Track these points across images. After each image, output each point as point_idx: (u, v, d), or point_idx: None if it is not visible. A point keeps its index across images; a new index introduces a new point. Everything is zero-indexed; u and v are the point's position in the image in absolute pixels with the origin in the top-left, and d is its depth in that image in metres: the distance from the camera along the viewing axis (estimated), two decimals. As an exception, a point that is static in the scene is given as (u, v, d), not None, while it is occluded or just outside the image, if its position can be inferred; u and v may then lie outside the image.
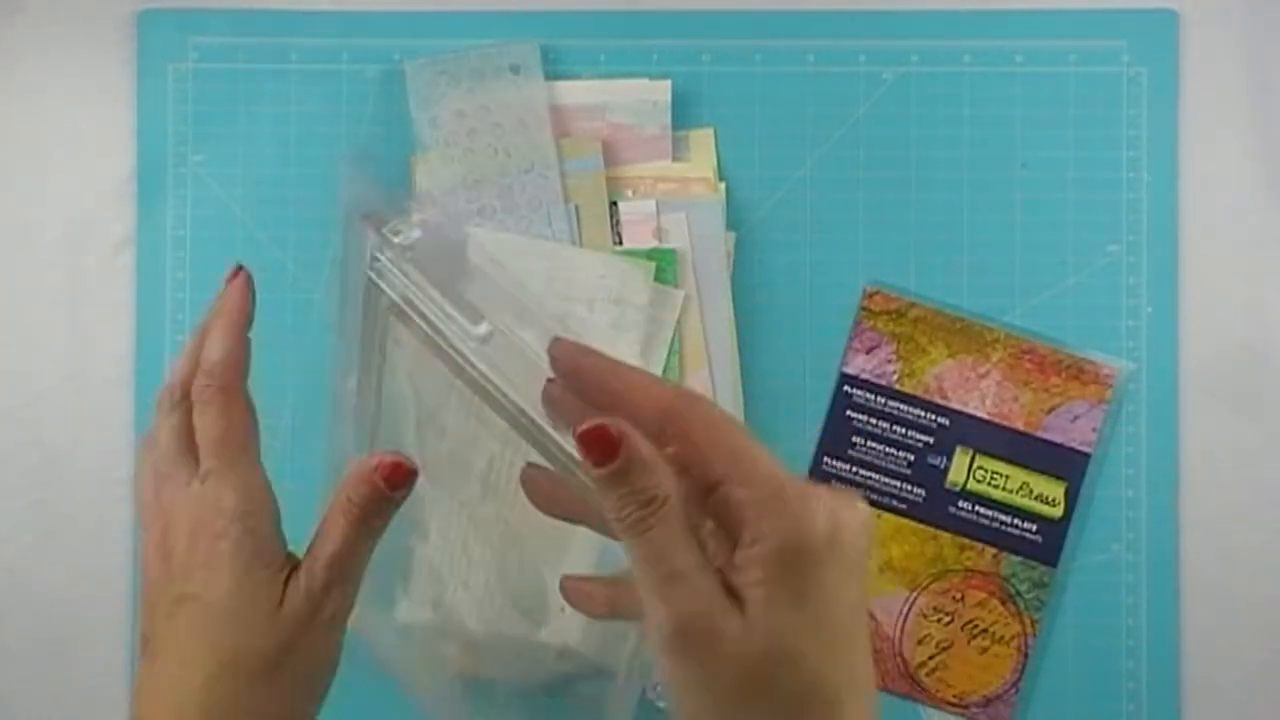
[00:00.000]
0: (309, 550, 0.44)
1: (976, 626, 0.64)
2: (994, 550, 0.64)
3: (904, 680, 0.64)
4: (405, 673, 0.57)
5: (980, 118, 0.65)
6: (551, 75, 0.65)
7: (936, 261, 0.65)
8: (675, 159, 0.65)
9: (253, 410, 0.46)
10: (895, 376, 0.65)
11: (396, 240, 0.41)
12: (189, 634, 0.43)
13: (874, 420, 0.65)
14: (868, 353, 0.65)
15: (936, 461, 0.64)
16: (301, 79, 0.65)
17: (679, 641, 0.35)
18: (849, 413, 0.65)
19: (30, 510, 0.65)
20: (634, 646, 0.44)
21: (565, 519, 0.42)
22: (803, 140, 0.65)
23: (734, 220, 0.65)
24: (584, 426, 0.36)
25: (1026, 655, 0.64)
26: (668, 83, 0.65)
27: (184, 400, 0.45)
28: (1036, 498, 0.64)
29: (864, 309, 0.65)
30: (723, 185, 0.65)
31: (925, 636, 0.64)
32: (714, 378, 0.63)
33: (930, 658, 0.64)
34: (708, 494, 0.37)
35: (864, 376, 0.65)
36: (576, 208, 0.64)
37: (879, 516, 0.65)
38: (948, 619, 0.64)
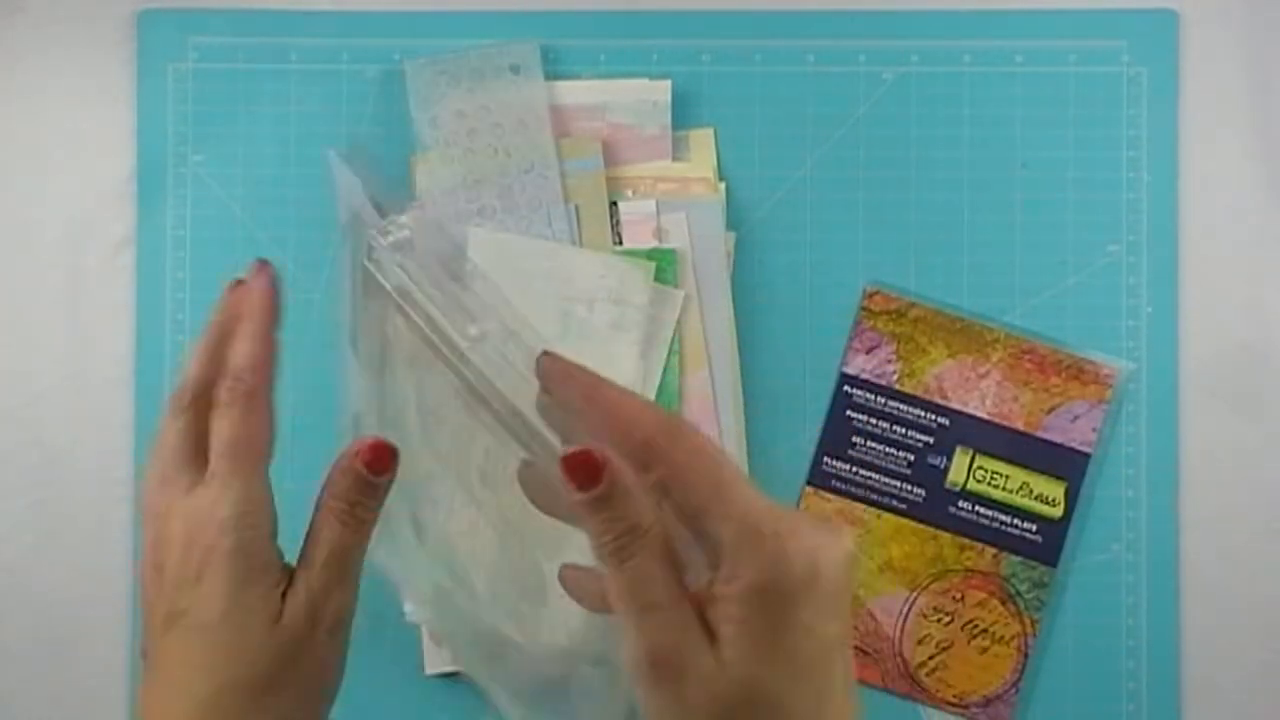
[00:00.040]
0: (300, 557, 0.43)
1: (976, 626, 0.64)
2: (994, 550, 0.64)
3: (904, 680, 0.64)
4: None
5: (980, 118, 0.65)
6: (551, 75, 0.65)
7: (936, 261, 0.65)
8: (675, 159, 0.65)
9: (273, 419, 0.45)
10: (895, 376, 0.65)
11: (386, 240, 0.41)
12: (183, 654, 0.41)
13: (874, 420, 0.65)
14: (868, 353, 0.65)
15: (936, 461, 0.64)
16: (301, 79, 0.65)
17: (652, 672, 0.36)
18: (849, 413, 0.65)
19: (30, 510, 0.65)
20: None
21: (564, 519, 0.42)
22: (803, 140, 0.65)
23: (734, 220, 0.65)
24: (569, 451, 0.36)
25: (1026, 655, 0.64)
26: (668, 83, 0.65)
27: (194, 402, 0.44)
28: (1036, 498, 0.64)
29: (864, 309, 0.65)
30: (723, 185, 0.65)
31: (925, 636, 0.64)
32: (714, 378, 0.63)
33: (930, 658, 0.64)
34: (690, 520, 0.37)
35: (864, 376, 0.65)
36: (576, 208, 0.64)
37: (879, 517, 0.65)
38: (948, 619, 0.64)
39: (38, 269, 0.65)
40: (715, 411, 0.63)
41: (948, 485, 0.64)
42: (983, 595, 0.64)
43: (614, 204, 0.64)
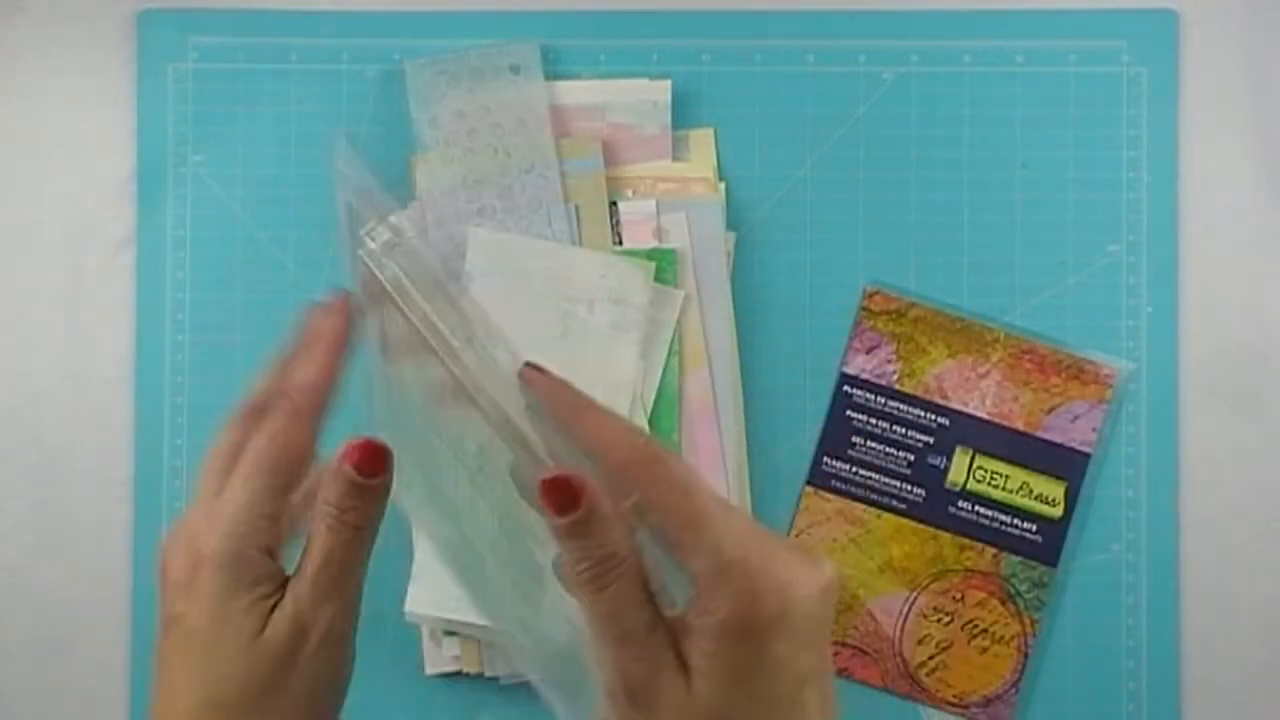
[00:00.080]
0: (295, 569, 0.42)
1: (976, 626, 0.64)
2: (994, 550, 0.64)
3: (904, 680, 0.64)
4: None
5: (980, 118, 0.65)
6: (551, 75, 0.65)
7: (936, 261, 0.65)
8: (675, 159, 0.65)
9: (313, 445, 0.43)
10: (895, 376, 0.65)
11: (371, 244, 0.41)
12: (175, 661, 0.41)
13: (874, 420, 0.65)
14: (868, 353, 0.65)
15: (936, 461, 0.64)
16: (301, 79, 0.65)
17: (625, 700, 0.36)
18: (849, 413, 0.65)
19: (30, 510, 0.65)
20: None
21: None
22: (803, 140, 0.65)
23: (734, 220, 0.65)
24: (547, 475, 0.36)
25: (1026, 655, 0.64)
26: (668, 83, 0.65)
27: (250, 415, 0.43)
28: (1036, 498, 0.64)
29: (864, 309, 0.65)
30: (723, 185, 0.65)
31: (925, 636, 0.64)
32: (714, 378, 0.63)
33: (930, 658, 0.64)
34: (666, 547, 0.37)
35: (864, 376, 0.65)
36: (576, 208, 0.64)
37: (879, 517, 0.65)
38: (948, 619, 0.64)
39: (38, 269, 0.65)
40: (715, 411, 0.63)
41: (948, 485, 0.64)
42: (983, 595, 0.64)
43: (614, 204, 0.64)
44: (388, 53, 0.65)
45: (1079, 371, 0.64)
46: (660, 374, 0.63)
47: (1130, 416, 0.65)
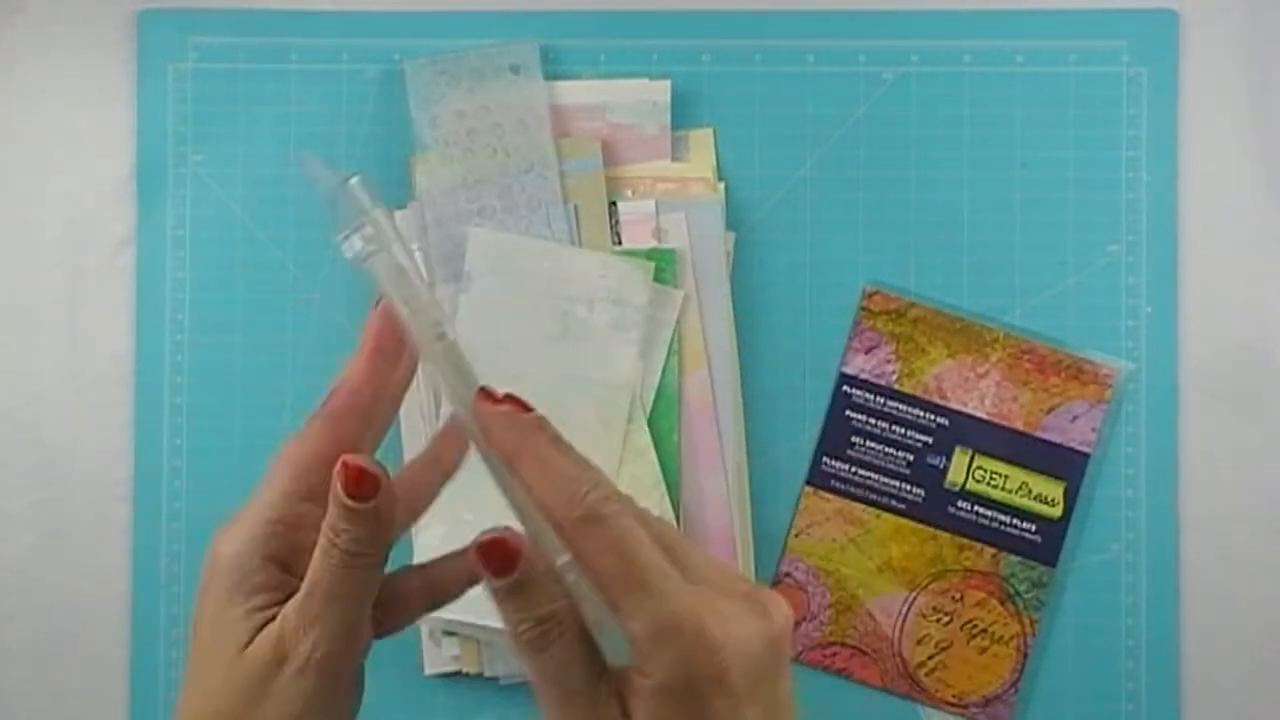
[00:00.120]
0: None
1: (976, 626, 0.64)
2: (993, 550, 0.64)
3: (903, 680, 0.64)
4: None
5: (980, 118, 0.65)
6: (551, 75, 0.65)
7: (936, 261, 0.65)
8: (675, 159, 0.65)
9: (344, 445, 0.39)
10: (894, 376, 0.65)
11: (347, 256, 0.40)
12: (188, 665, 0.39)
13: (873, 420, 0.65)
14: (867, 353, 0.65)
15: (936, 461, 0.64)
16: (301, 79, 0.65)
17: None
18: (848, 413, 0.65)
19: (30, 510, 0.65)
20: None
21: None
22: (803, 140, 0.65)
23: (734, 220, 0.65)
24: (483, 539, 0.35)
25: (1026, 655, 0.64)
26: (667, 83, 0.65)
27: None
28: (1036, 498, 0.64)
29: (864, 309, 0.65)
30: (722, 185, 0.65)
31: (924, 636, 0.64)
32: (713, 378, 0.63)
33: (929, 658, 0.64)
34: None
35: (863, 376, 0.65)
36: (576, 208, 0.64)
37: (878, 517, 0.65)
38: (947, 619, 0.64)
39: (38, 269, 0.65)
40: (714, 411, 0.63)
41: (947, 485, 0.64)
42: (982, 595, 0.64)
43: (613, 204, 0.64)
44: (388, 53, 0.65)
45: (1078, 371, 0.64)
46: (660, 374, 0.63)
47: (1130, 416, 0.65)
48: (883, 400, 0.65)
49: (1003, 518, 0.64)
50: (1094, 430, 0.64)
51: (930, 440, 0.64)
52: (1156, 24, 0.66)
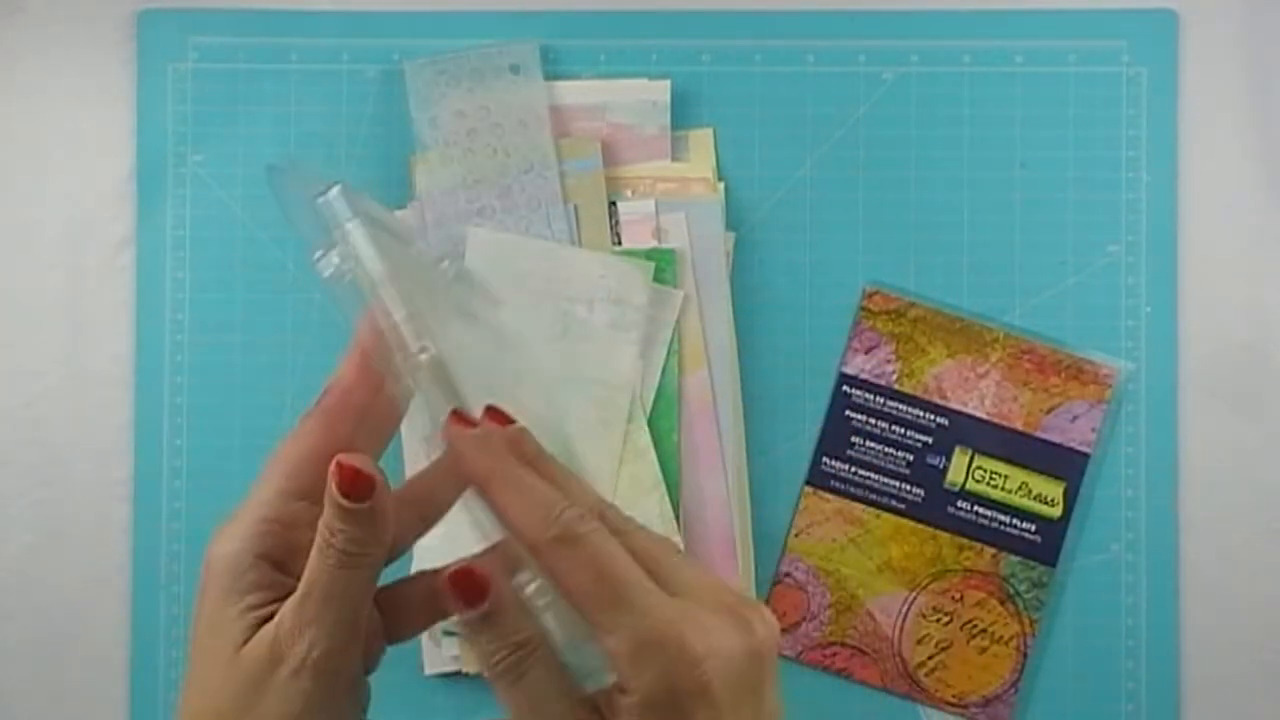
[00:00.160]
0: None
1: (975, 626, 0.64)
2: (993, 550, 0.64)
3: (903, 680, 0.64)
4: None
5: (980, 118, 0.65)
6: (551, 75, 0.65)
7: (936, 261, 0.65)
8: (674, 159, 0.65)
9: (338, 443, 0.39)
10: (894, 376, 0.65)
11: (325, 274, 0.40)
12: (188, 665, 0.39)
13: (873, 420, 0.65)
14: (867, 353, 0.65)
15: (935, 461, 0.64)
16: (301, 79, 0.65)
17: None
18: (848, 413, 0.65)
19: (30, 510, 0.65)
20: None
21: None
22: (803, 140, 0.65)
23: (734, 220, 0.65)
24: (452, 570, 0.35)
25: (1026, 655, 0.64)
26: (667, 83, 0.65)
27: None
28: (1035, 498, 0.64)
29: (863, 309, 0.65)
30: (722, 185, 0.65)
31: (924, 636, 0.64)
32: (713, 378, 0.64)
33: (929, 658, 0.64)
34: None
35: (863, 376, 0.65)
36: (576, 208, 0.64)
37: (878, 517, 0.65)
38: (947, 619, 0.64)
39: (38, 269, 0.65)
40: (714, 411, 0.63)
41: (947, 485, 0.64)
42: (982, 595, 0.64)
43: (613, 204, 0.64)
44: (388, 53, 0.65)
45: (1078, 371, 0.64)
46: (659, 374, 0.63)
47: (1129, 416, 0.65)
48: (882, 400, 0.65)
49: (1002, 518, 0.64)
50: (1094, 430, 0.64)
51: (930, 440, 0.64)
52: (1156, 24, 0.66)
